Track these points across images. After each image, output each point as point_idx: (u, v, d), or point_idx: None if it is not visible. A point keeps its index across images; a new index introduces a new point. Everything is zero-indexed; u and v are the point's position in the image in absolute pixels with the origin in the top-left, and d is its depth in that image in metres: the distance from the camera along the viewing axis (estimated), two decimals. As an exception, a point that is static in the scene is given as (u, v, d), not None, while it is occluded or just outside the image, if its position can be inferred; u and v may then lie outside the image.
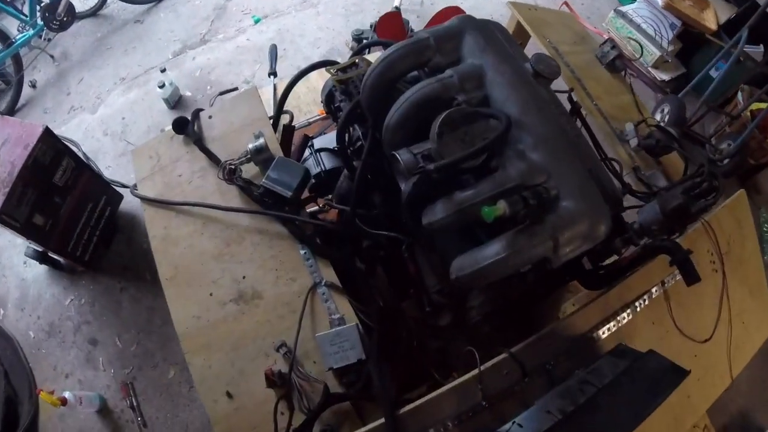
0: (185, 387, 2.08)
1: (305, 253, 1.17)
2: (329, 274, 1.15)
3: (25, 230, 1.92)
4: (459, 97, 0.96)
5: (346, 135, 1.28)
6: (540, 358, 1.01)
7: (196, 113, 1.44)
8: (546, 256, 0.86)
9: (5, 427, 1.98)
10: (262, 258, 1.19)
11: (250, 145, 1.28)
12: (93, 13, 3.26)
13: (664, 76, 3.18)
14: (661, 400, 0.88)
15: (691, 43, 3.14)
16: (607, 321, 1.10)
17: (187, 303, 1.19)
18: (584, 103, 1.44)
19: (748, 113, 2.81)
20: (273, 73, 1.99)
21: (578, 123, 1.24)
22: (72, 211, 2.11)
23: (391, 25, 1.88)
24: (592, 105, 1.47)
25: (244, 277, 1.18)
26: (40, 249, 2.22)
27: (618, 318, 1.11)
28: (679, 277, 1.21)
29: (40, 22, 2.72)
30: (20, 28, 2.74)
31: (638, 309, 1.15)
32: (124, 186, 2.32)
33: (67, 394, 1.99)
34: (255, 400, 1.07)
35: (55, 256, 2.27)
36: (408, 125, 0.99)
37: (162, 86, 2.64)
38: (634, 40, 3.10)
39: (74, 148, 2.31)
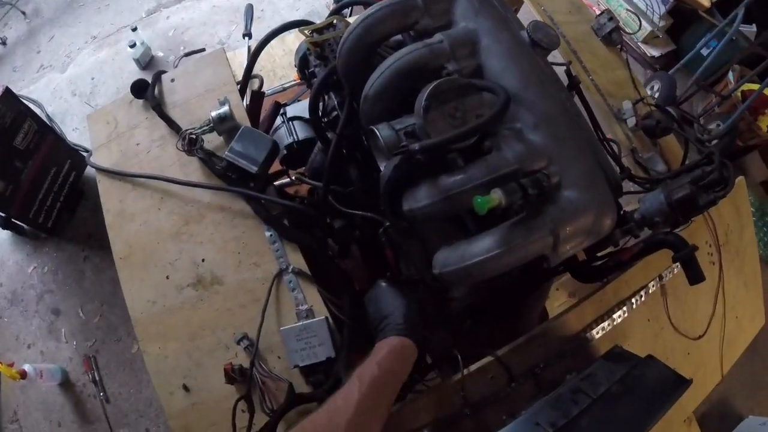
0: None
1: (271, 235, 1.01)
2: (297, 260, 0.99)
3: (-14, 195, 1.73)
4: (449, 65, 0.79)
5: (321, 104, 1.11)
6: (528, 362, 0.88)
7: (158, 75, 1.25)
8: (544, 253, 0.72)
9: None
10: (224, 239, 1.03)
11: (213, 113, 1.09)
12: (66, -31, 2.96)
13: (654, 52, 3.03)
14: (662, 414, 0.76)
15: (682, 19, 2.99)
16: (601, 320, 0.97)
17: (141, 286, 1.03)
18: (581, 78, 1.28)
19: (739, 94, 2.69)
20: (248, 35, 1.78)
21: (576, 100, 1.08)
22: (34, 176, 1.92)
23: (376, -18, 1.69)
24: (588, 80, 1.31)
25: (203, 260, 1.02)
26: (2, 215, 2.02)
27: (613, 316, 0.99)
28: (677, 270, 1.09)
29: (11, -24, 2.45)
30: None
31: (634, 306, 1.03)
32: (87, 151, 2.13)
33: (27, 367, 1.85)
34: (214, 396, 0.93)
35: (18, 222, 2.07)
36: (390, 96, 0.83)
37: (133, 46, 2.42)
38: (633, 12, 2.92)
39: (38, 110, 2.09)
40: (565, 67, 1.10)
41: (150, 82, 1.21)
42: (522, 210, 0.72)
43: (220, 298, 0.99)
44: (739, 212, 1.34)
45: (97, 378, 1.93)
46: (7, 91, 1.72)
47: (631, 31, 3.01)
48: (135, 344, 1.96)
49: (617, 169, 1.08)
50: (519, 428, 0.77)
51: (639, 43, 3.04)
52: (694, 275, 0.84)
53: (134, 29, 2.43)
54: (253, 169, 1.01)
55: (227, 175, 1.05)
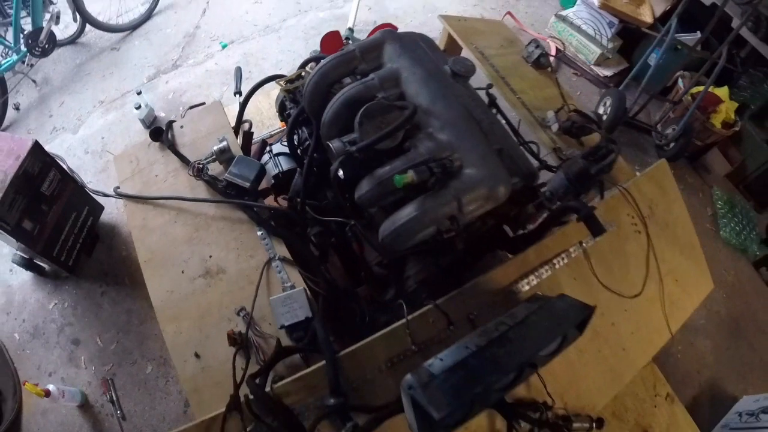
0: (162, 381, 2.23)
1: (262, 233, 1.36)
2: (282, 251, 1.33)
3: (15, 233, 2.08)
4: (379, 94, 1.17)
5: (296, 137, 1.49)
6: (464, 310, 1.19)
7: (170, 124, 1.64)
8: (453, 214, 1.06)
9: (-10, 421, 2.11)
10: (226, 240, 1.38)
11: (215, 147, 1.48)
12: (72, 40, 3.47)
13: (607, 72, 3.47)
14: (565, 329, 1.05)
15: (631, 38, 3.42)
16: (526, 276, 1.28)
17: (161, 280, 1.37)
18: (508, 97, 1.66)
19: (690, 97, 3.04)
20: (238, 93, 2.17)
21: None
22: (57, 218, 2.27)
23: (333, 42, 2.10)
24: (515, 98, 1.70)
25: (210, 257, 1.37)
26: (26, 256, 2.37)
27: (537, 273, 1.30)
28: (598, 238, 1.39)
29: (23, 48, 2.91)
30: (4, 54, 2.92)
31: (557, 266, 1.33)
32: (105, 195, 2.50)
33: (50, 387, 2.12)
34: (219, 360, 1.23)
35: (41, 263, 2.42)
36: (339, 121, 1.20)
37: (138, 107, 2.83)
38: (584, 38, 3.38)
39: (60, 162, 2.49)
40: (489, 89, 1.48)
41: (164, 128, 1.61)
42: (434, 186, 1.07)
43: (224, 284, 1.33)
44: (664, 190, 1.65)
45: (115, 398, 2.21)
46: (36, 144, 2.11)
47: (583, 57, 3.48)
48: (149, 365, 2.26)
49: (536, 163, 1.44)
50: (451, 352, 1.07)
51: (592, 66, 3.48)
52: (595, 229, 1.17)
53: (139, 93, 2.86)
54: (247, 184, 1.38)
55: (227, 192, 1.42)
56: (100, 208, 2.55)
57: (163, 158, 1.58)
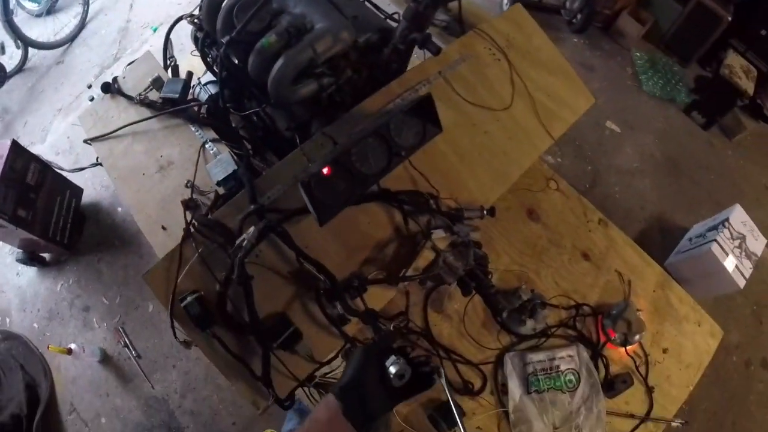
0: (163, 314, 2.84)
1: (195, 128, 1.99)
2: (211, 135, 1.96)
3: (13, 221, 2.76)
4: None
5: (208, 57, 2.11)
6: (345, 132, 1.74)
7: (114, 79, 2.29)
8: (312, 57, 1.67)
9: (29, 407, 2.78)
10: (170, 140, 2.00)
11: (149, 79, 2.13)
12: (19, 69, 4.22)
13: None
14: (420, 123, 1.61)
15: None
16: (392, 101, 1.80)
17: (129, 185, 1.99)
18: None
19: None
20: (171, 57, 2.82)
21: None
22: (46, 203, 2.96)
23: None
24: None
25: (161, 156, 1.99)
26: (27, 252, 3.06)
27: (402, 97, 1.81)
28: (457, 66, 1.94)
29: (-23, 86, 3.62)
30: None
31: (420, 91, 1.82)
32: (81, 169, 3.14)
33: (72, 345, 2.79)
34: (181, 225, 1.69)
35: (41, 254, 3.11)
36: (228, 25, 1.76)
37: (92, 99, 3.51)
38: None
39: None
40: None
41: (111, 82, 2.26)
42: (295, 43, 1.68)
43: (174, 172, 1.95)
44: (521, 26, 2.13)
45: (128, 342, 2.87)
46: (14, 142, 2.80)
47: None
48: (150, 304, 2.92)
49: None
50: (327, 154, 1.66)
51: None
52: (434, 50, 1.71)
53: (89, 86, 3.57)
54: (176, 95, 2.02)
55: (164, 107, 2.06)
56: (80, 190, 3.24)
57: (114, 103, 2.20)
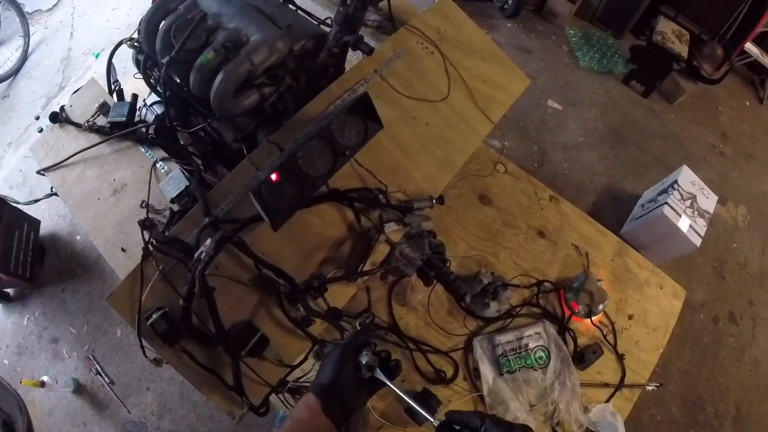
0: (132, 337, 2.92)
1: (144, 148, 2.05)
2: (160, 154, 2.02)
3: (-26, 257, 2.78)
4: (190, 15, 1.85)
5: (150, 78, 2.16)
6: (290, 138, 1.81)
7: (62, 108, 2.32)
8: (250, 69, 1.74)
9: (7, 445, 2.77)
10: (121, 163, 2.04)
11: (96, 104, 2.18)
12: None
13: None
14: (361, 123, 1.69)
15: None
16: (332, 103, 1.88)
17: (86, 212, 2.03)
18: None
19: None
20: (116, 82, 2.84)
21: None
22: (4, 238, 2.98)
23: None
24: None
25: (114, 179, 2.03)
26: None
27: (342, 99, 1.89)
28: (392, 63, 2.03)
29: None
30: None
31: (358, 90, 1.90)
32: (36, 201, 3.15)
33: (44, 378, 2.81)
34: (138, 245, 1.72)
35: (4, 290, 3.11)
36: (167, 46, 1.83)
37: (41, 130, 3.52)
38: None
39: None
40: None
41: (58, 111, 2.30)
42: (232, 57, 1.76)
43: (128, 194, 2.00)
44: (450, 17, 2.21)
45: (100, 369, 2.91)
46: (-31, 182, 2.83)
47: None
48: (117, 329, 2.96)
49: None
50: (275, 159, 1.75)
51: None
52: (366, 49, 1.81)
53: (37, 117, 3.53)
54: (123, 119, 2.07)
55: (112, 131, 2.11)
56: (37, 221, 3.25)
57: (64, 132, 2.22)
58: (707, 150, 4.52)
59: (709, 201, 3.59)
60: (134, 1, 4.61)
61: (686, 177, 3.56)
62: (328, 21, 2.16)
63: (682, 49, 4.47)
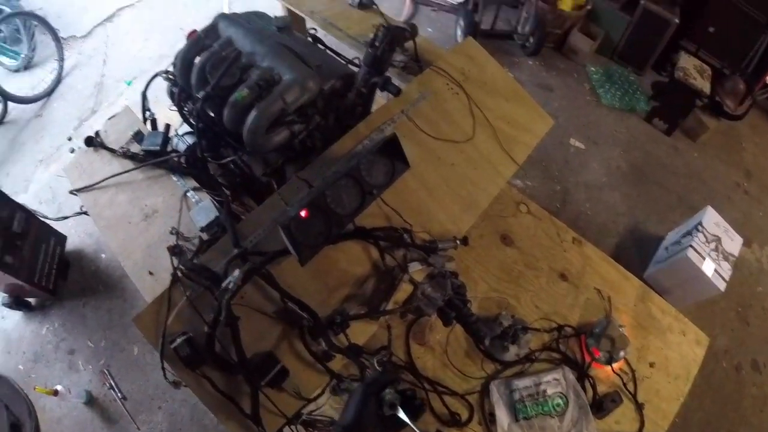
0: (149, 356, 2.96)
1: (176, 177, 2.12)
2: (192, 184, 2.09)
3: (0, 267, 2.86)
4: (224, 53, 1.91)
5: (185, 110, 2.24)
6: (319, 175, 1.85)
7: (96, 133, 2.41)
8: (282, 107, 1.80)
9: (14, 449, 2.83)
10: (153, 190, 2.11)
11: (131, 132, 2.26)
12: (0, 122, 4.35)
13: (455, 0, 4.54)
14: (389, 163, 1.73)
15: None
16: (360, 143, 1.93)
17: (116, 234, 2.10)
18: (335, 34, 2.45)
19: None
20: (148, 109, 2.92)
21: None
22: (31, 250, 3.06)
23: (194, 35, 2.75)
24: (341, 33, 2.47)
25: (146, 205, 2.09)
26: (12, 297, 3.14)
27: (369, 138, 1.94)
28: (418, 104, 2.08)
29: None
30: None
31: (386, 131, 1.96)
32: (65, 218, 3.20)
33: (58, 387, 2.87)
34: (167, 270, 1.78)
35: (26, 299, 3.19)
36: (202, 81, 1.90)
37: (73, 151, 3.62)
38: None
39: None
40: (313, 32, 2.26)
41: (94, 136, 2.39)
42: (265, 95, 1.82)
43: (158, 220, 2.07)
44: (473, 58, 2.27)
45: (113, 384, 2.95)
46: (0, 193, 2.93)
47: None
48: (135, 347, 3.01)
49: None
50: (303, 197, 1.80)
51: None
52: (394, 90, 1.92)
53: (70, 138, 3.70)
54: (157, 147, 2.15)
55: (146, 159, 2.18)
56: (64, 237, 3.34)
57: (98, 156, 2.31)
58: (731, 188, 4.44)
59: (734, 243, 3.47)
60: (165, 32, 4.80)
61: (710, 218, 3.48)
62: (356, 60, 2.23)
63: (705, 85, 4.38)
